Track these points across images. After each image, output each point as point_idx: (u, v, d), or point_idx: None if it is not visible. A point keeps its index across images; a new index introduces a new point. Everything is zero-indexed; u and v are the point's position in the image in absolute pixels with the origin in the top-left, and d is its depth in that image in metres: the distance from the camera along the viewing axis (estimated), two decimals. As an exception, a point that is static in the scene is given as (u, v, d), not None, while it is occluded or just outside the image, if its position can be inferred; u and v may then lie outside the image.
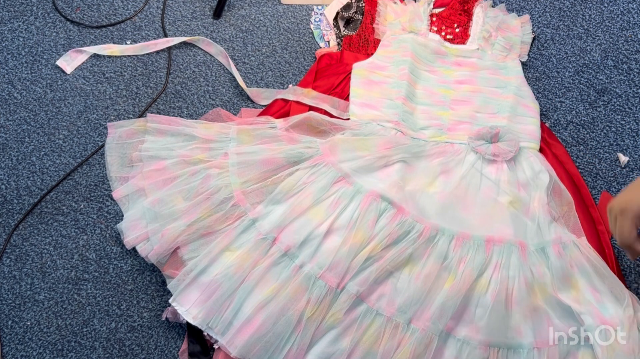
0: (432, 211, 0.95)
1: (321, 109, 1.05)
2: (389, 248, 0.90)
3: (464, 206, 0.97)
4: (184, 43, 1.16)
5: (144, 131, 1.02)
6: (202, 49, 1.16)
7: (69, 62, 1.14)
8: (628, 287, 0.97)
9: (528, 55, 1.14)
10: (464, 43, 1.12)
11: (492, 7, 1.16)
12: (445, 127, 1.04)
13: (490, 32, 1.12)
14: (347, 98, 1.07)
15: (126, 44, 1.16)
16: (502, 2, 1.18)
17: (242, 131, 1.00)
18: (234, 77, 1.13)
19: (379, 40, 1.12)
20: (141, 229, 0.94)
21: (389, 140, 0.99)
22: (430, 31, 1.12)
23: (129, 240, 0.94)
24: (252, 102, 1.12)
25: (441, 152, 1.01)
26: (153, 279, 1.00)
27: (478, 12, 1.14)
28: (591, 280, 0.91)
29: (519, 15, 1.17)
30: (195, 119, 1.06)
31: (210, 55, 1.16)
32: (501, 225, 0.95)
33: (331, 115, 1.05)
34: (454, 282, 0.88)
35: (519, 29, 1.13)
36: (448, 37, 1.13)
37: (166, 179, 0.96)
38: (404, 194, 0.95)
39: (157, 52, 1.15)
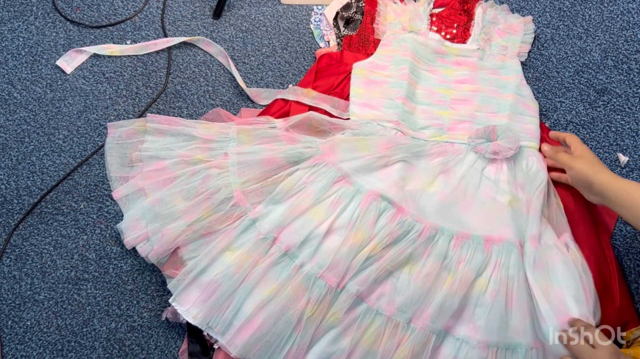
0: (431, 211, 0.95)
1: (321, 109, 1.05)
2: (389, 247, 0.90)
3: (464, 206, 0.97)
4: (184, 43, 1.16)
5: (143, 131, 1.02)
6: (202, 49, 1.16)
7: (69, 62, 1.14)
8: (628, 287, 0.97)
9: (528, 55, 1.14)
10: (464, 42, 1.12)
11: (492, 7, 1.16)
12: (445, 127, 1.04)
13: (489, 33, 1.12)
14: (347, 98, 1.07)
15: (126, 44, 1.16)
16: (503, 3, 1.18)
17: (242, 131, 1.00)
18: (234, 77, 1.13)
19: (379, 40, 1.12)
20: (141, 229, 0.94)
21: (389, 140, 0.99)
22: (430, 31, 1.12)
23: (129, 240, 0.94)
24: (252, 102, 1.12)
25: (441, 151, 1.01)
26: (153, 279, 1.00)
27: (479, 12, 1.14)
28: (558, 283, 0.89)
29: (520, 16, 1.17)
30: (195, 119, 1.07)
31: (210, 55, 1.16)
32: (500, 225, 0.95)
33: (331, 115, 1.05)
34: (453, 281, 0.89)
35: (521, 29, 1.14)
36: (448, 37, 1.13)
37: (166, 179, 0.96)
38: (404, 194, 0.95)
39: (157, 52, 1.15)
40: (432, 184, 0.98)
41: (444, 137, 1.03)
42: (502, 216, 0.96)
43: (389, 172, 0.97)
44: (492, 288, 0.89)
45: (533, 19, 1.17)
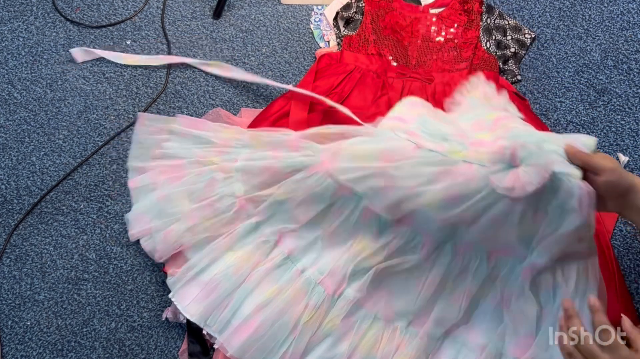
0: (433, 226, 0.88)
1: (341, 112, 0.99)
2: (390, 257, 0.88)
3: (467, 226, 0.86)
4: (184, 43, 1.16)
5: (170, 130, 1.01)
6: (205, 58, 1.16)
7: (82, 55, 1.13)
8: (628, 287, 0.97)
9: (528, 55, 1.14)
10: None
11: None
12: (468, 141, 0.85)
13: None
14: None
15: (126, 43, 1.16)
16: (503, 3, 1.18)
17: (254, 137, 0.98)
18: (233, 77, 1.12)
19: (379, 40, 1.11)
20: (145, 223, 0.95)
21: (395, 151, 0.87)
22: (430, 31, 1.11)
23: (133, 232, 0.95)
24: (252, 102, 1.12)
25: (455, 175, 0.83)
26: (153, 279, 1.00)
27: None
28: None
29: (518, 16, 1.17)
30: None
31: (210, 55, 1.15)
32: (506, 244, 0.86)
33: (351, 120, 0.97)
34: (455, 291, 0.87)
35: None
36: (448, 36, 1.13)
37: (178, 176, 0.96)
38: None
39: (157, 52, 1.15)
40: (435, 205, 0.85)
41: (463, 154, 0.83)
42: (509, 239, 0.85)
43: None
44: (493, 295, 0.88)
45: (533, 19, 1.16)
